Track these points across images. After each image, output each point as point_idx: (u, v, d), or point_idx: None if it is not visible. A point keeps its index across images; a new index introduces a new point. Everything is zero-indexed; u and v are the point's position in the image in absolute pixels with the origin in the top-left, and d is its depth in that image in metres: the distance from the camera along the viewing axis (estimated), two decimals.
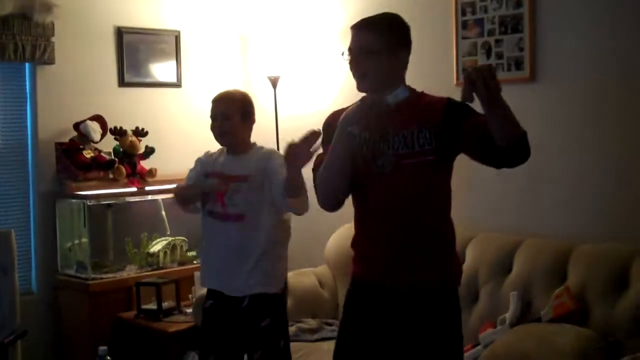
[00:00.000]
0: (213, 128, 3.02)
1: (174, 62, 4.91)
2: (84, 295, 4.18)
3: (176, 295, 4.23)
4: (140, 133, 4.56)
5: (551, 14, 3.60)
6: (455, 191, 2.36)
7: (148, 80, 4.80)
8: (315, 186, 2.37)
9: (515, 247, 3.48)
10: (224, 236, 2.96)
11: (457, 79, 3.90)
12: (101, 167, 4.38)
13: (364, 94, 2.36)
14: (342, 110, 2.37)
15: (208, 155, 3.11)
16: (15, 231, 3.93)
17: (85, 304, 4.17)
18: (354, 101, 2.41)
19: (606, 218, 3.42)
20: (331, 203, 2.35)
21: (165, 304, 4.15)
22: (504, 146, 2.10)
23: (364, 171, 2.28)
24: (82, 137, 4.37)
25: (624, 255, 3.14)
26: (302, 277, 4.08)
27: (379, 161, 2.27)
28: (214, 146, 3.11)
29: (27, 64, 4.32)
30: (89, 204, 4.27)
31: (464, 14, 3.90)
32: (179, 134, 4.82)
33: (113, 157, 4.45)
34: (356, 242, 2.40)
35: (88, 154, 4.36)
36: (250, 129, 3.06)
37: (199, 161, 3.11)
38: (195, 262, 4.50)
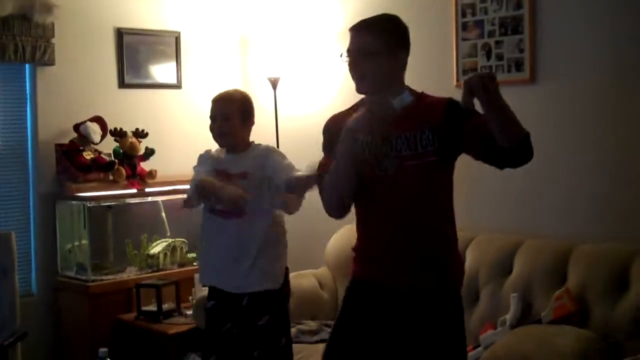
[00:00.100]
0: (212, 128, 3.02)
1: (174, 63, 4.91)
2: (84, 296, 4.17)
3: (176, 297, 4.22)
4: (140, 134, 4.56)
5: (551, 16, 3.60)
6: (456, 192, 2.36)
7: (148, 81, 4.80)
8: (320, 193, 2.36)
9: (515, 248, 3.48)
10: (224, 233, 2.96)
11: (457, 80, 3.90)
12: (101, 169, 4.37)
13: (363, 96, 2.36)
14: (341, 114, 2.37)
15: (210, 152, 3.10)
16: (15, 233, 3.93)
17: (86, 305, 4.16)
18: (354, 102, 2.42)
19: (606, 218, 3.42)
20: (338, 209, 2.34)
21: (165, 306, 4.15)
22: (507, 147, 2.10)
23: (367, 174, 2.28)
24: (82, 139, 4.36)
25: (624, 255, 3.14)
26: (302, 279, 4.08)
27: (382, 164, 2.27)
28: (214, 147, 3.11)
29: (27, 65, 4.32)
30: (89, 205, 4.26)
31: (464, 15, 3.90)
32: (179, 136, 4.82)
33: (113, 158, 4.45)
34: (358, 245, 2.40)
35: (88, 155, 4.35)
36: (250, 130, 3.05)
37: (204, 157, 3.08)
38: (195, 263, 4.49)
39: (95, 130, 4.38)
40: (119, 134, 4.48)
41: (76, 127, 4.37)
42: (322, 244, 4.28)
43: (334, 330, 2.42)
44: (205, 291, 3.26)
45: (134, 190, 4.45)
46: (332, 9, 4.60)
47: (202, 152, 3.13)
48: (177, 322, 4.09)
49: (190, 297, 4.24)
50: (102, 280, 4.26)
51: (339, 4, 4.56)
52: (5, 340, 3.49)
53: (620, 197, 3.40)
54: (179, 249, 4.59)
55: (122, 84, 4.68)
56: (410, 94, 2.31)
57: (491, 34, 3.79)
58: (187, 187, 3.01)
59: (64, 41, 4.37)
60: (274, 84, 4.69)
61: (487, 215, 3.81)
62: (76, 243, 4.40)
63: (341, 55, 2.32)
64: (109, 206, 4.43)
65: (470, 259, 3.57)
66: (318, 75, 4.70)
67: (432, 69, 3.91)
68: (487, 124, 2.09)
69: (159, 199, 4.60)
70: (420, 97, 2.34)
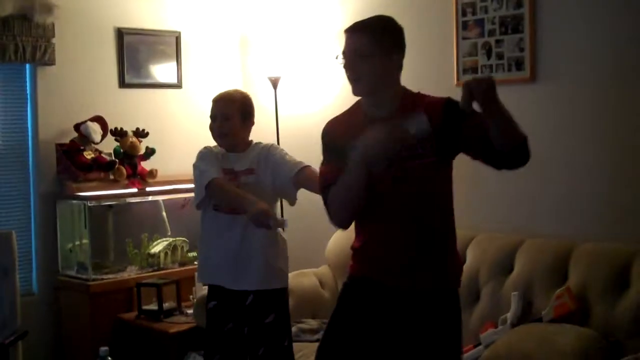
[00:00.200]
0: (212, 128, 3.01)
1: (175, 63, 4.91)
2: (84, 296, 4.18)
3: (177, 296, 4.23)
4: (140, 134, 4.56)
5: (551, 15, 3.60)
6: (456, 191, 2.36)
7: (148, 81, 4.80)
8: (326, 205, 2.32)
9: (516, 247, 3.49)
10: (230, 231, 2.96)
11: (458, 79, 3.90)
12: (102, 168, 4.38)
13: (359, 97, 2.35)
14: (339, 117, 2.38)
15: (210, 149, 3.06)
16: (16, 232, 3.92)
17: (86, 304, 4.17)
18: (354, 102, 2.41)
19: (606, 218, 3.42)
20: (348, 221, 2.34)
21: (166, 305, 4.15)
22: (505, 151, 2.11)
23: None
24: (83, 138, 4.37)
25: (624, 254, 3.15)
26: (302, 278, 4.08)
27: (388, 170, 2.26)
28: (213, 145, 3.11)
29: (27, 65, 4.32)
30: (89, 204, 4.27)
31: (464, 14, 3.90)
32: (179, 135, 4.82)
33: (114, 158, 4.46)
34: (357, 244, 2.40)
35: (89, 154, 4.36)
36: (250, 130, 3.06)
37: (206, 154, 3.02)
38: (195, 262, 4.49)
39: (95, 129, 4.38)
40: (119, 134, 4.48)
41: (77, 127, 4.37)
42: (322, 242, 4.28)
43: (329, 325, 2.40)
44: (205, 290, 3.25)
45: (135, 190, 4.45)
46: (331, 9, 4.61)
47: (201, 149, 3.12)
48: (177, 321, 4.10)
49: (191, 296, 4.24)
50: (102, 279, 4.26)
51: (338, 4, 4.56)
52: (6, 339, 3.49)
53: (620, 197, 3.40)
54: (179, 248, 4.59)
55: (123, 84, 4.68)
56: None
57: (491, 33, 3.79)
58: (187, 186, 3.00)
59: (64, 41, 4.37)
60: (275, 83, 4.70)
61: (487, 215, 3.81)
62: (77, 242, 4.40)
63: (337, 57, 2.32)
64: (109, 205, 4.44)
65: (470, 258, 3.57)
66: (318, 75, 4.70)
67: (432, 68, 3.91)
68: (485, 124, 2.10)
69: (160, 198, 4.60)
70: (418, 97, 2.34)
